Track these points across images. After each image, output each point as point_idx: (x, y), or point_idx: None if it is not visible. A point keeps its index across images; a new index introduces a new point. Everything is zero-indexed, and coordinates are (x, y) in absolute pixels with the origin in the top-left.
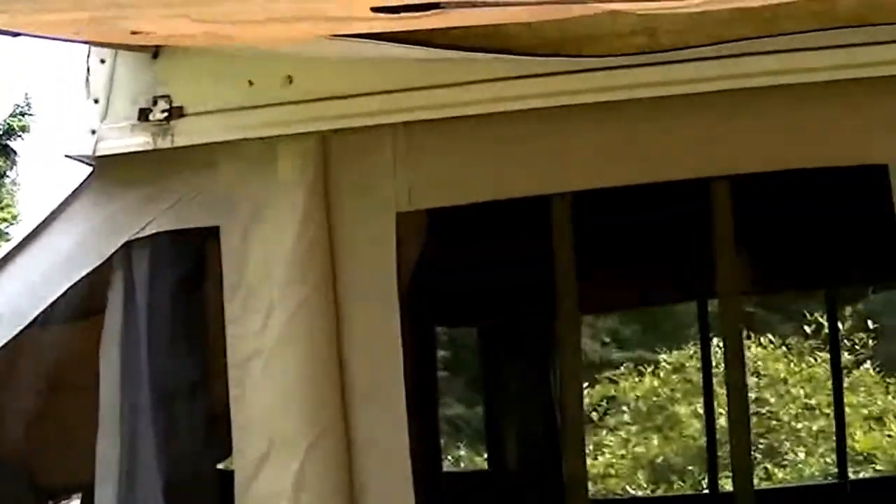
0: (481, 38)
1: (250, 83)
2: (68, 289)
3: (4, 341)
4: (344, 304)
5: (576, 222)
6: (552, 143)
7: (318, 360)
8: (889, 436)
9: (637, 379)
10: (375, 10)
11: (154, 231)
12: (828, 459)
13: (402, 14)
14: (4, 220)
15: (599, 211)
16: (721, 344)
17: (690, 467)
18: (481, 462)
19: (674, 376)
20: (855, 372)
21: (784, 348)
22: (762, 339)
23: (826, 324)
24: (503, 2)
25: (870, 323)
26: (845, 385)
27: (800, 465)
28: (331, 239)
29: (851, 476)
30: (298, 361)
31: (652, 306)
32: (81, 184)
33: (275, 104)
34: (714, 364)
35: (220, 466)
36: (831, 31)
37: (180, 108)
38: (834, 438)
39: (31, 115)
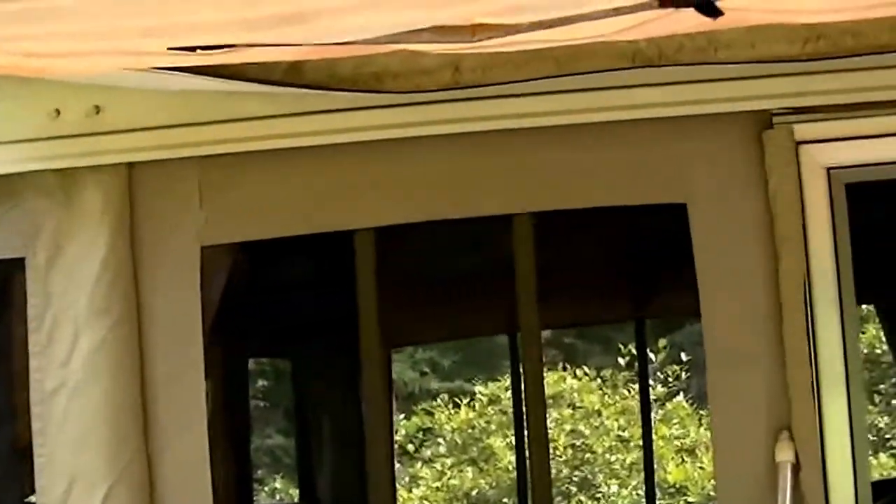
0: (289, 73)
1: (57, 112)
2: None
3: None
4: (148, 338)
5: (383, 254)
6: (355, 178)
7: (121, 394)
8: (701, 467)
9: (453, 410)
10: (171, 49)
11: None
12: (640, 492)
13: (198, 51)
14: None
15: (410, 242)
16: None
17: (505, 500)
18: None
19: (489, 408)
20: (668, 404)
21: (599, 380)
22: (577, 371)
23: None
24: (292, 42)
25: (683, 355)
26: (659, 417)
27: (613, 498)
28: (135, 271)
29: None
30: (102, 396)
31: (462, 339)
32: None
33: (81, 134)
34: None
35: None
36: (630, 70)
37: None
38: None
39: None
